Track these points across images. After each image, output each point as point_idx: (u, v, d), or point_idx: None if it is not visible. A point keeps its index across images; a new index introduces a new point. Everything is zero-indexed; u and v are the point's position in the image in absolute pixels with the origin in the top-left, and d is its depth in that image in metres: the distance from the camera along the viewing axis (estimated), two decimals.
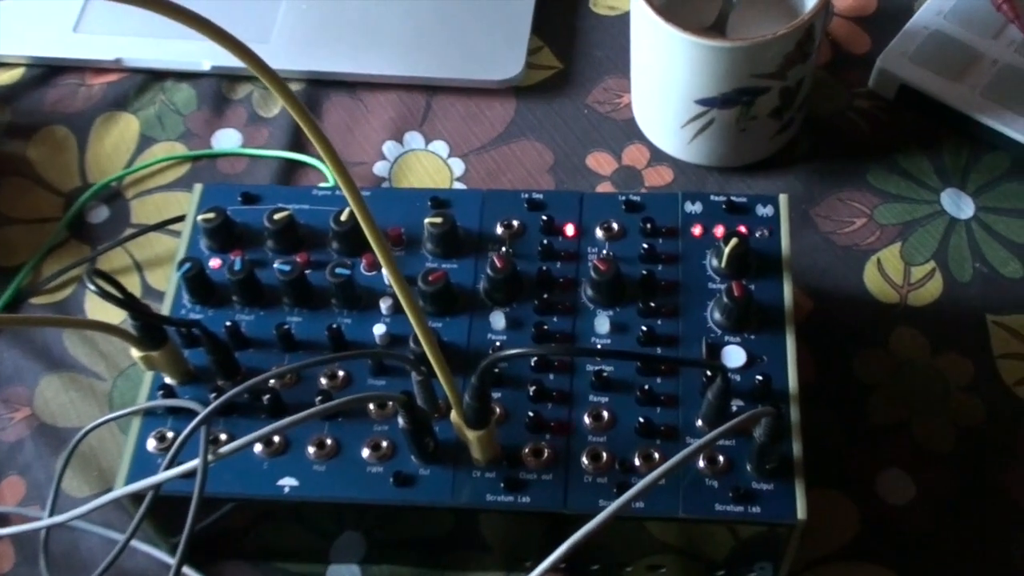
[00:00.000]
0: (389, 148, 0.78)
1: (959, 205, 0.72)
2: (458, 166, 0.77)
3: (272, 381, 0.58)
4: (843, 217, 0.73)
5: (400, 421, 0.54)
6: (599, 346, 0.59)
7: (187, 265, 0.60)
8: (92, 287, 0.51)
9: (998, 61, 0.74)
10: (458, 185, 0.76)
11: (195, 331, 0.56)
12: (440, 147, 0.78)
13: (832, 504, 0.62)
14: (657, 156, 0.76)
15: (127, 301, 0.53)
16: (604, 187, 0.75)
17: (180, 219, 0.73)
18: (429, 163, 0.77)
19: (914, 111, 0.76)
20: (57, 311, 0.73)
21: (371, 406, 0.58)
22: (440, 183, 0.76)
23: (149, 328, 0.56)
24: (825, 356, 0.67)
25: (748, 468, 0.54)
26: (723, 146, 0.73)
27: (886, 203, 0.73)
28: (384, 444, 0.56)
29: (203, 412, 0.51)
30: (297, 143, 0.78)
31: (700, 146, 0.73)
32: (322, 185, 0.72)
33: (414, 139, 0.78)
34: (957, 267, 0.70)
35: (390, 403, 0.57)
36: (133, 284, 0.73)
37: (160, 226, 0.74)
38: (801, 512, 0.53)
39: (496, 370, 0.55)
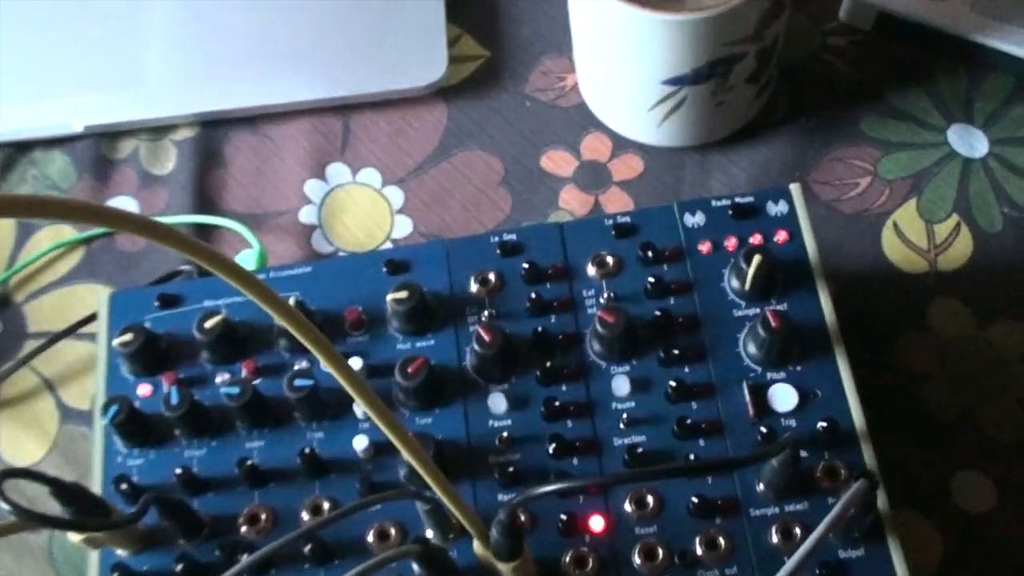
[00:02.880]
0: (312, 188, 0.67)
1: (970, 142, 0.64)
2: (396, 195, 0.66)
3: (243, 528, 0.49)
4: (844, 179, 0.64)
5: (416, 570, 0.44)
6: (624, 415, 0.49)
7: (114, 408, 0.49)
8: (6, 505, 0.40)
9: None
10: (401, 219, 0.65)
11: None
12: (371, 176, 0.67)
13: (909, 527, 0.54)
14: (621, 144, 0.66)
15: (51, 518, 0.42)
16: (569, 191, 0.65)
17: (88, 321, 0.62)
18: (362, 198, 0.66)
19: (898, 40, 0.67)
20: None
21: (369, 536, 0.48)
22: (380, 220, 0.65)
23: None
24: (860, 347, 0.58)
25: (830, 535, 0.46)
26: (698, 124, 0.63)
27: (889, 154, 0.64)
28: None
29: None
30: (202, 202, 0.66)
31: (672, 128, 0.63)
32: (253, 268, 0.61)
33: (339, 172, 0.67)
34: (983, 216, 0.62)
35: (394, 532, 0.48)
36: (47, 408, 0.62)
37: (67, 332, 0.63)
38: None
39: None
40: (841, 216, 0.62)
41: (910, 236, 0.61)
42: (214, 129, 0.69)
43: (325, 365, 0.34)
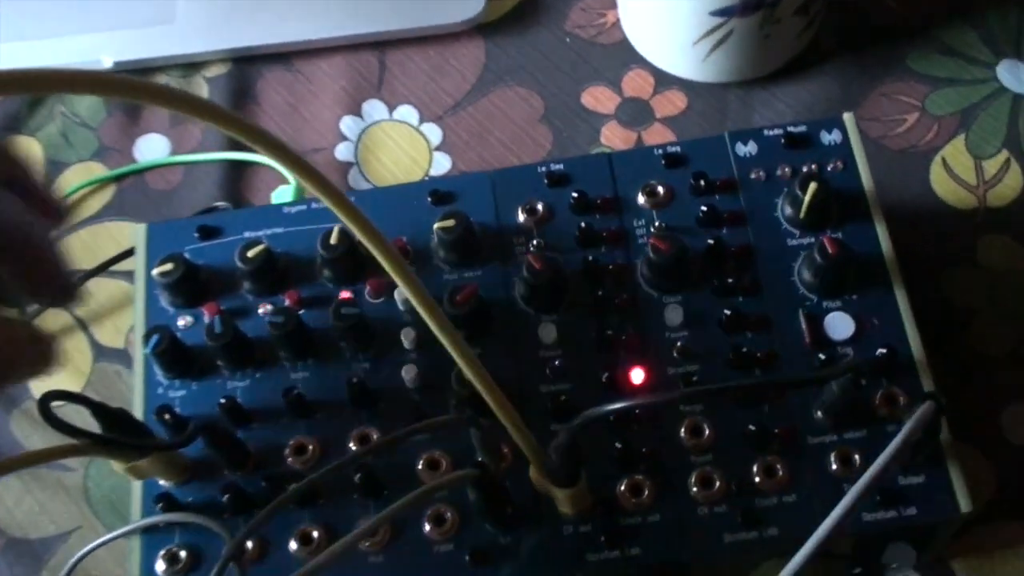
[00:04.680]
0: (348, 125, 0.65)
1: (1020, 78, 0.62)
2: (434, 132, 0.65)
3: (290, 459, 0.48)
4: (892, 116, 0.62)
5: (470, 495, 0.43)
6: (678, 344, 0.48)
7: (155, 339, 0.48)
8: (49, 422, 0.39)
9: None
10: (439, 156, 0.64)
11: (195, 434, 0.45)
12: (408, 113, 0.66)
13: (961, 459, 0.53)
14: (663, 80, 0.64)
15: (99, 435, 0.42)
16: (611, 128, 0.64)
17: (122, 257, 0.61)
18: (400, 135, 0.65)
19: None
20: None
21: (419, 465, 0.47)
22: (418, 157, 0.64)
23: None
24: (908, 281, 0.57)
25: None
26: (743, 58, 0.62)
27: (937, 90, 0.63)
28: (448, 515, 0.46)
29: (228, 546, 0.40)
30: (236, 139, 0.65)
31: (716, 62, 0.62)
32: (290, 200, 0.60)
33: (375, 109, 0.66)
34: None
35: (444, 463, 0.47)
36: (81, 347, 0.61)
37: (100, 270, 0.62)
38: (965, 504, 0.45)
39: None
40: (889, 152, 0.61)
41: (959, 172, 0.60)
42: (247, 66, 0.68)
43: (390, 271, 0.33)
